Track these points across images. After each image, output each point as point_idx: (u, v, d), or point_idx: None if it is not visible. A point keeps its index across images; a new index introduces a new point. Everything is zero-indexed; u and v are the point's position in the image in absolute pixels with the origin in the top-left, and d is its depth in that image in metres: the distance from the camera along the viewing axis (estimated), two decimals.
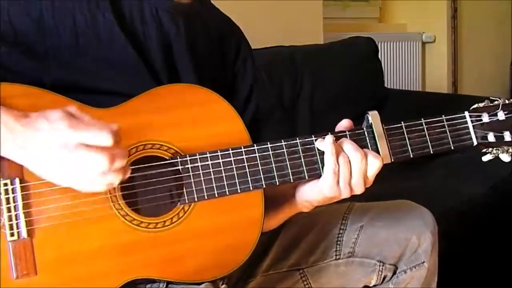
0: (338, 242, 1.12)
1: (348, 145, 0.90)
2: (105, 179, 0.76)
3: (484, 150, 0.98)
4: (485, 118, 0.97)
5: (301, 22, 2.61)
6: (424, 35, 3.52)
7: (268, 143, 0.90)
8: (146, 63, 0.93)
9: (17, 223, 0.80)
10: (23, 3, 0.87)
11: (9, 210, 0.79)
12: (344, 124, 0.95)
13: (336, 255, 1.12)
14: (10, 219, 0.79)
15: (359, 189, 0.91)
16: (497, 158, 0.98)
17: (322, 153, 0.91)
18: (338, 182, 0.90)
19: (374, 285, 1.13)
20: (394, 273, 1.11)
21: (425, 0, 3.49)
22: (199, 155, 0.87)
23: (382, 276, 1.11)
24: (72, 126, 0.73)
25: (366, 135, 0.93)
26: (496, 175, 1.97)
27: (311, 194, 0.95)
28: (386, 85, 2.78)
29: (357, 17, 3.43)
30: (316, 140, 0.91)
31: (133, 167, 0.85)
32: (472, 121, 0.97)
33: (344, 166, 0.89)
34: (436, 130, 0.96)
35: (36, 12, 0.87)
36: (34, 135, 0.74)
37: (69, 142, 0.73)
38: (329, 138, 0.90)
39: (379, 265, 1.10)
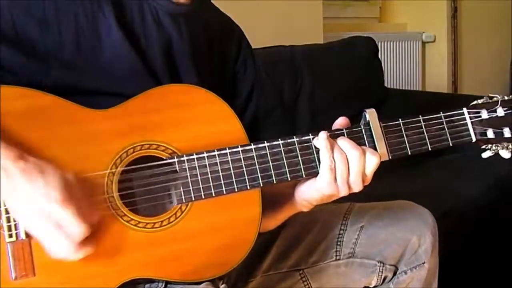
0: (338, 243, 1.11)
1: (346, 144, 0.90)
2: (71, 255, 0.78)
3: (484, 146, 0.98)
4: (484, 114, 0.97)
5: (301, 22, 2.62)
6: (424, 35, 3.53)
7: (265, 141, 0.90)
8: (146, 64, 0.93)
9: (15, 224, 0.79)
10: (26, 3, 0.87)
11: (7, 211, 0.79)
12: (340, 122, 0.94)
13: (336, 255, 1.11)
14: (8, 220, 0.79)
15: (357, 187, 0.90)
16: (497, 155, 0.97)
17: (319, 151, 0.90)
18: (335, 179, 0.89)
19: (375, 286, 1.12)
20: (395, 273, 1.11)
21: (425, 0, 3.49)
22: (196, 154, 0.87)
23: (383, 277, 1.11)
24: (63, 202, 0.75)
25: (364, 132, 0.93)
26: (496, 175, 1.97)
27: (309, 192, 0.94)
28: (386, 85, 2.78)
29: (357, 17, 3.44)
30: (313, 138, 0.91)
31: (131, 167, 0.85)
32: (470, 118, 0.96)
33: (341, 163, 0.89)
34: (434, 127, 0.95)
35: (39, 12, 0.87)
36: (25, 185, 0.75)
37: (51, 215, 0.75)
38: (323, 134, 0.89)
39: (380, 266, 1.10)
